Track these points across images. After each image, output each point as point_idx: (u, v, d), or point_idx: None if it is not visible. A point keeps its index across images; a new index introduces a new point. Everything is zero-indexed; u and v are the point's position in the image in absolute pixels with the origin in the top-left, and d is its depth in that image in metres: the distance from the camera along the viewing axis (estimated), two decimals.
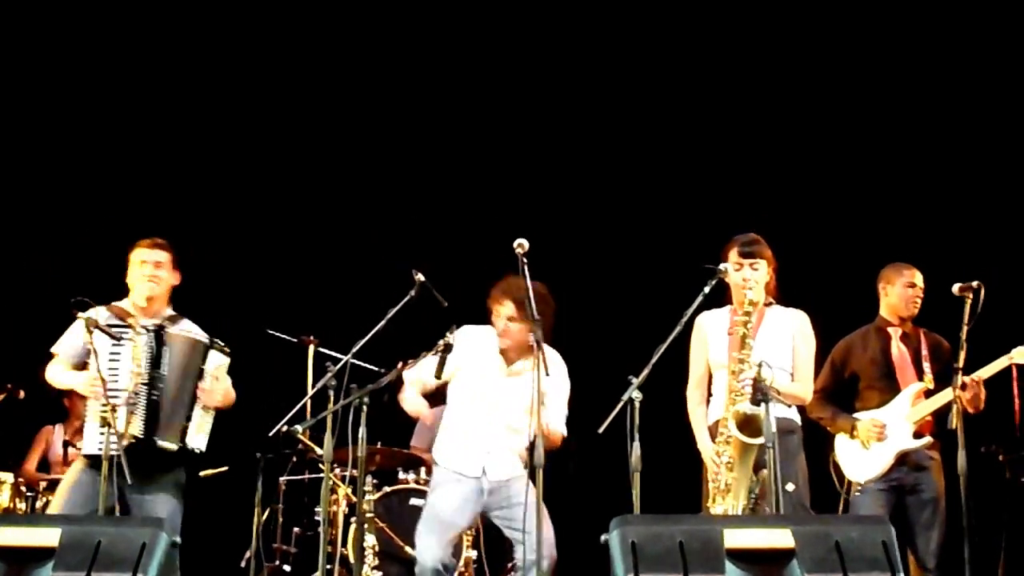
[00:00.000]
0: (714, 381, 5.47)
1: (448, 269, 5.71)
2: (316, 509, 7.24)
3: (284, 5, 8.39)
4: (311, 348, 7.33)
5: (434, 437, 5.84)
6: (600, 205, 8.34)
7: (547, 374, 5.12)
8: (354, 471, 5.35)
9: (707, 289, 5.12)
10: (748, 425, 4.95)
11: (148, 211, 8.10)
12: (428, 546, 5.41)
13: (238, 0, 8.32)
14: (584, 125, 8.41)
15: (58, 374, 5.56)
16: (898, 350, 6.01)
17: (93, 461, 5.37)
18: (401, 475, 7.14)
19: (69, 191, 8.16)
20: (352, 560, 6.58)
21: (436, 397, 5.77)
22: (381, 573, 6.65)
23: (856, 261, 6.76)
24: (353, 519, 6.72)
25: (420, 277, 5.49)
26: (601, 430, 4.81)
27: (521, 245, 5.13)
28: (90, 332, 5.28)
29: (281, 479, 7.29)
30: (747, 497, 5.06)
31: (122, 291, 5.70)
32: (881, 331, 6.07)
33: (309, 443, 6.93)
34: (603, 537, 3.93)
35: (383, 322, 5.45)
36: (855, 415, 5.97)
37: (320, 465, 6.57)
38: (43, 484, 7.28)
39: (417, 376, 5.52)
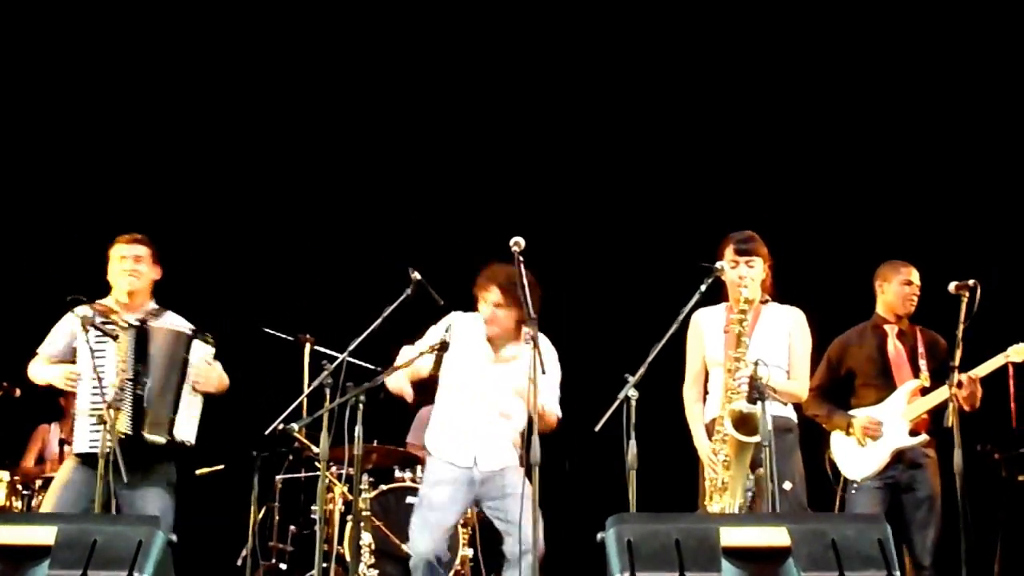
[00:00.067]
0: (710, 379, 5.48)
1: (444, 267, 5.70)
2: (312, 507, 7.24)
3: (284, 3, 8.38)
4: (307, 346, 7.32)
5: None
6: (596, 203, 8.35)
7: (543, 372, 5.12)
8: (350, 469, 5.33)
9: (703, 287, 5.12)
10: (744, 424, 4.96)
11: (145, 210, 8.08)
12: (422, 539, 5.40)
13: None
14: (581, 124, 8.42)
15: (38, 370, 5.57)
16: (894, 347, 6.01)
17: (84, 459, 5.38)
18: (397, 473, 7.14)
19: (64, 190, 8.15)
20: (348, 558, 6.59)
21: (426, 392, 5.77)
22: (377, 571, 6.66)
23: (853, 258, 6.76)
24: (349, 517, 6.72)
25: (416, 275, 5.49)
26: (597, 428, 4.81)
27: (517, 243, 5.13)
28: (86, 330, 5.29)
29: (277, 477, 7.30)
30: (743, 495, 5.07)
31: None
32: (878, 328, 6.07)
33: (305, 441, 6.93)
34: (599, 535, 3.93)
35: (379, 320, 5.44)
36: (851, 412, 5.97)
37: (316, 463, 6.56)
38: (39, 482, 7.27)
39: (409, 359, 5.50)
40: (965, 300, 5.56)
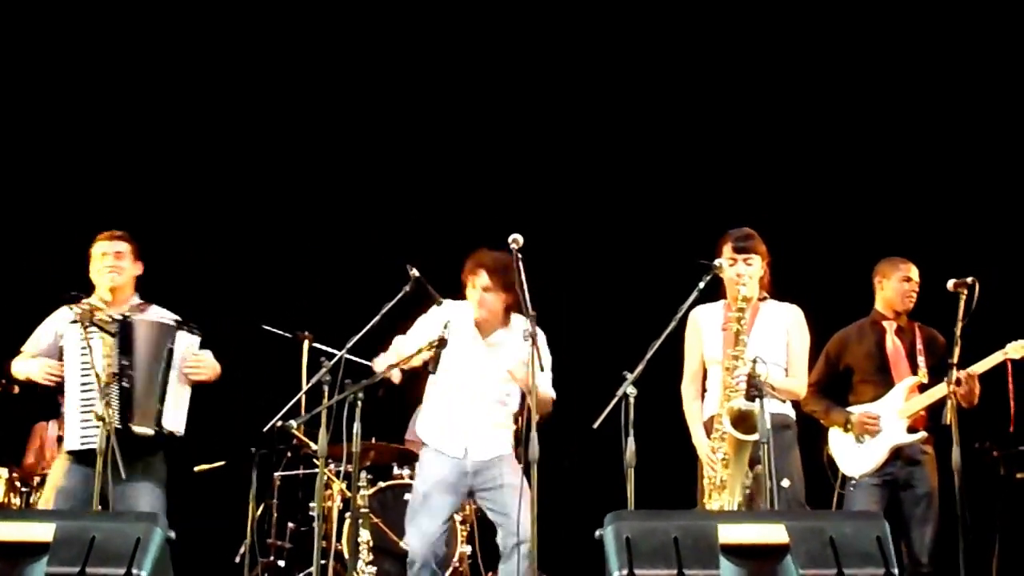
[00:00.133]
0: (709, 376, 5.48)
1: (443, 264, 5.69)
2: (311, 504, 7.24)
3: (286, 2, 8.39)
4: (306, 344, 7.33)
5: None
6: (595, 201, 8.35)
7: (542, 369, 5.13)
8: (348, 466, 5.34)
9: (702, 284, 5.12)
10: (743, 422, 4.96)
11: (145, 209, 8.09)
12: (417, 539, 5.41)
13: None
14: (579, 122, 8.41)
15: (19, 365, 5.58)
16: (893, 344, 6.01)
17: (77, 457, 5.39)
18: (396, 470, 7.14)
19: (64, 190, 8.13)
20: (347, 555, 6.60)
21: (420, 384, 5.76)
22: (375, 568, 6.66)
23: (851, 255, 6.77)
24: (347, 514, 6.73)
25: (415, 272, 5.49)
26: (596, 425, 4.81)
27: (516, 240, 5.13)
28: (85, 326, 5.30)
29: (276, 474, 7.30)
30: (742, 493, 5.07)
31: None
32: (876, 325, 6.07)
33: (304, 439, 6.93)
34: (597, 532, 3.93)
35: (378, 317, 5.44)
36: (849, 409, 5.97)
37: (314, 460, 6.58)
38: (37, 479, 7.27)
39: (402, 350, 5.49)
40: (964, 297, 5.56)
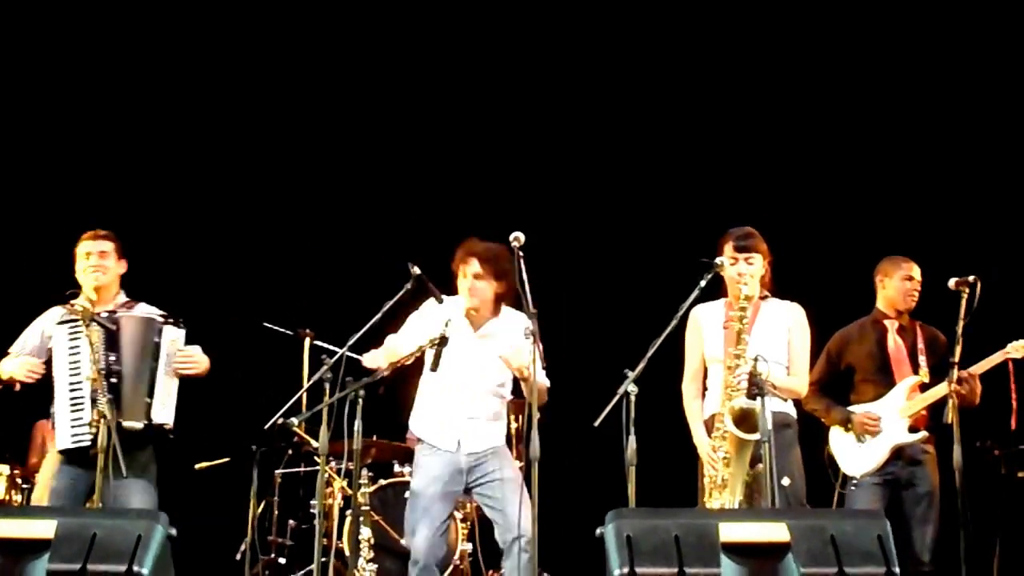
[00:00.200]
0: (709, 375, 5.48)
1: (445, 262, 5.69)
2: (311, 502, 7.24)
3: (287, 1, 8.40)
4: (307, 341, 7.33)
5: None
6: (596, 199, 8.34)
7: (544, 367, 5.12)
8: (349, 464, 5.33)
9: (703, 283, 5.13)
10: (745, 420, 4.96)
11: (146, 207, 8.10)
12: (417, 539, 5.41)
13: None
14: (581, 120, 8.41)
15: (3, 365, 5.60)
16: (894, 343, 6.00)
17: (68, 457, 5.42)
18: (396, 468, 7.14)
19: (63, 190, 8.12)
20: (347, 553, 6.60)
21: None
22: (376, 566, 6.66)
23: (853, 254, 6.76)
24: (348, 512, 6.73)
25: (416, 270, 5.48)
26: (597, 423, 4.81)
27: (517, 238, 5.13)
28: (87, 325, 5.36)
29: (277, 472, 7.30)
30: (743, 492, 5.07)
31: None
32: (878, 324, 6.07)
33: (305, 436, 6.93)
34: (598, 530, 3.93)
35: (379, 315, 5.44)
36: (850, 408, 5.97)
37: (315, 458, 6.57)
38: (37, 476, 7.27)
39: (397, 347, 5.49)
40: (965, 296, 5.56)
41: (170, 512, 3.99)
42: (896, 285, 6.04)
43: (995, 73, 7.90)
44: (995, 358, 5.76)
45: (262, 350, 7.73)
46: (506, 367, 5.46)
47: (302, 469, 7.44)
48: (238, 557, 6.95)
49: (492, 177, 8.32)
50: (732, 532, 3.84)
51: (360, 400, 5.14)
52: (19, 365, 5.52)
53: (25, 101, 8.17)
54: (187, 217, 8.22)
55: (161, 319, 5.61)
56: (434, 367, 5.29)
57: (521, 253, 5.12)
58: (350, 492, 6.58)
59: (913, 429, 5.83)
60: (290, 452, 7.27)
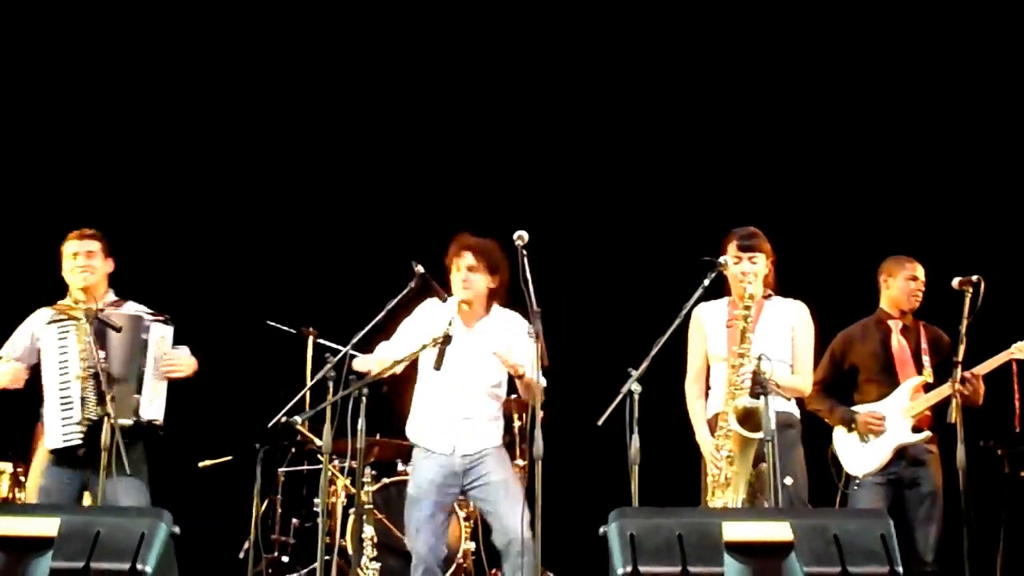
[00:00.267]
0: (712, 374, 5.47)
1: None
2: (315, 500, 7.25)
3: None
4: (310, 339, 7.34)
5: None
6: (600, 198, 8.34)
7: (546, 364, 5.12)
8: (353, 462, 5.34)
9: (706, 282, 5.13)
10: (749, 419, 4.95)
11: (148, 205, 8.11)
12: (417, 542, 5.43)
13: None
14: (584, 118, 8.40)
15: None
16: (898, 343, 6.00)
17: (58, 456, 5.44)
18: (400, 466, 7.14)
19: (63, 191, 8.11)
20: (350, 551, 6.60)
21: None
22: (379, 564, 6.66)
23: (856, 254, 6.76)
24: (352, 510, 6.72)
25: (420, 269, 5.49)
26: (600, 422, 4.82)
27: (521, 237, 5.13)
28: (91, 323, 5.39)
29: (280, 470, 7.30)
30: (746, 491, 5.07)
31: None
32: (881, 324, 6.07)
33: (308, 434, 6.94)
34: (601, 529, 3.93)
35: (383, 314, 5.45)
36: (853, 408, 5.96)
37: (319, 456, 6.58)
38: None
39: (383, 356, 5.47)
40: (969, 296, 5.56)
41: (173, 510, 4.00)
42: (900, 285, 6.03)
43: (999, 72, 7.89)
44: (999, 358, 5.76)
45: (265, 348, 7.74)
46: (502, 365, 5.45)
47: (305, 467, 7.44)
48: (241, 555, 6.95)
49: (495, 175, 8.32)
50: (735, 531, 3.84)
51: (363, 398, 5.14)
52: (2, 374, 5.52)
53: (25, 100, 8.16)
54: (192, 216, 8.22)
55: (149, 317, 5.62)
56: (437, 366, 5.27)
57: (525, 252, 5.12)
58: (353, 490, 6.58)
59: (917, 429, 5.83)
60: (293, 450, 7.28)
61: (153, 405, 5.54)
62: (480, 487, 5.49)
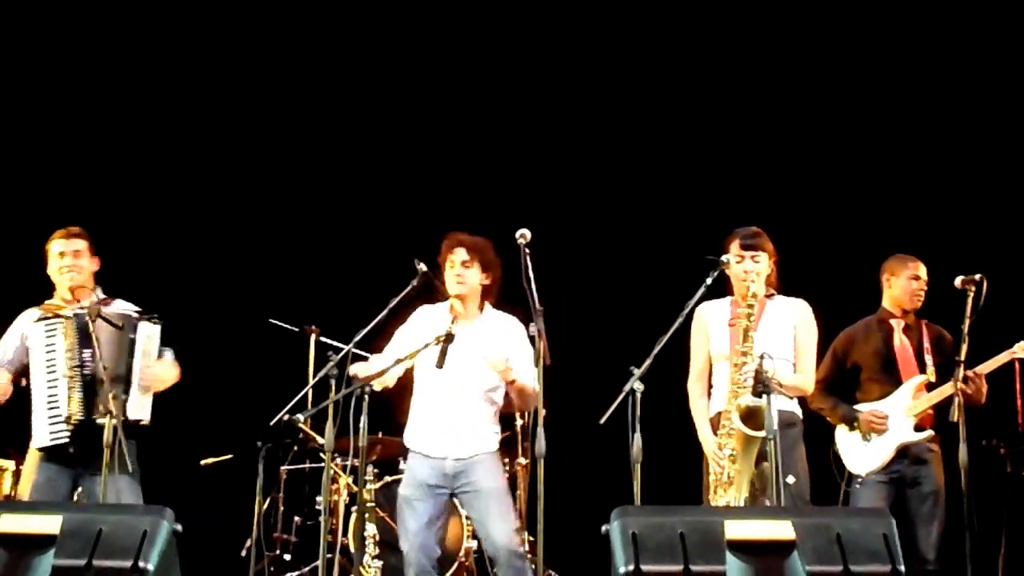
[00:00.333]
0: (715, 373, 5.47)
1: None
2: (317, 498, 7.26)
3: None
4: (313, 337, 7.34)
5: None
6: (603, 196, 8.33)
7: (547, 362, 5.12)
8: (355, 460, 5.35)
9: (709, 280, 5.13)
10: (752, 418, 4.96)
11: (150, 203, 8.11)
12: (407, 541, 5.43)
13: None
14: (587, 117, 8.40)
15: None
16: (900, 342, 6.00)
17: (48, 454, 5.44)
18: (402, 465, 7.12)
19: (65, 190, 8.11)
20: (352, 549, 6.59)
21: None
22: (381, 562, 6.66)
23: (858, 253, 6.76)
24: (354, 508, 6.73)
25: (422, 267, 5.49)
26: (602, 421, 4.82)
27: (524, 235, 5.13)
28: (93, 321, 5.37)
29: (282, 468, 7.31)
30: (749, 489, 5.07)
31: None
32: (884, 323, 6.06)
33: (310, 432, 6.95)
34: (604, 528, 3.93)
35: (385, 312, 5.45)
36: (856, 407, 5.96)
37: (321, 454, 6.58)
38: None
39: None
40: (971, 295, 5.55)
41: (175, 508, 4.00)
42: (902, 284, 6.03)
43: (1001, 70, 7.88)
44: (1002, 357, 5.76)
45: (268, 346, 7.74)
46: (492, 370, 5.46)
47: (307, 465, 7.44)
48: (243, 553, 6.95)
49: (497, 174, 8.31)
50: (737, 530, 3.84)
51: (366, 397, 5.14)
52: None
53: (25, 99, 8.16)
54: (196, 213, 8.22)
55: (136, 315, 5.60)
56: (440, 363, 5.25)
57: (528, 250, 5.12)
58: (355, 489, 6.58)
59: (919, 428, 5.83)
60: (296, 448, 7.28)
61: (140, 405, 5.53)
62: (469, 494, 5.48)
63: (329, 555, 5.68)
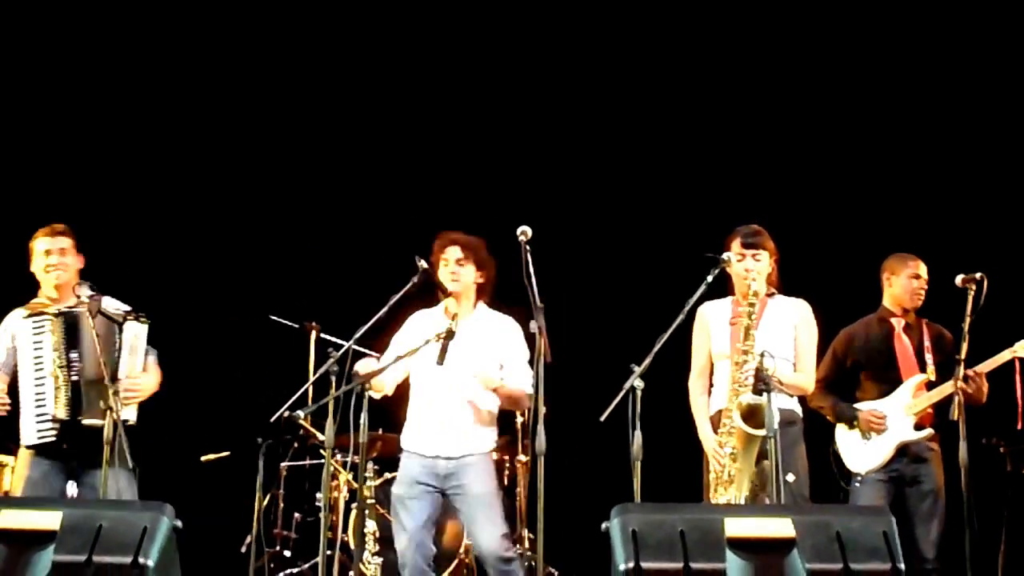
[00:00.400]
0: (716, 371, 5.48)
1: None
2: (317, 495, 7.26)
3: None
4: (313, 334, 7.34)
5: None
6: (604, 194, 8.33)
7: (549, 360, 5.12)
8: (355, 457, 5.35)
9: (710, 279, 5.13)
10: (753, 416, 4.96)
11: (151, 201, 8.11)
12: (401, 539, 5.45)
13: None
14: (588, 115, 8.39)
15: None
16: (900, 341, 6.00)
17: (38, 452, 5.45)
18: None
19: (72, 186, 8.12)
20: (352, 546, 6.60)
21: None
22: (381, 559, 6.66)
23: (859, 251, 6.76)
24: (354, 505, 6.73)
25: (423, 264, 5.50)
26: (603, 418, 4.82)
27: (524, 233, 5.13)
28: (93, 317, 5.36)
29: (282, 465, 7.31)
30: (749, 487, 5.07)
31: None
32: (884, 321, 6.07)
33: (310, 429, 6.94)
34: (604, 525, 3.93)
35: (385, 308, 5.45)
36: (856, 405, 5.96)
37: (321, 451, 6.58)
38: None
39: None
40: (972, 293, 5.55)
41: (175, 504, 4.00)
42: (903, 283, 6.03)
43: (1001, 69, 7.88)
44: (1002, 356, 5.75)
45: (268, 343, 7.74)
46: (492, 365, 5.48)
47: (308, 462, 7.44)
48: (243, 550, 6.95)
49: (498, 171, 8.31)
50: (738, 527, 3.84)
51: (366, 394, 5.14)
52: None
53: (23, 98, 8.16)
54: (196, 210, 8.22)
55: (123, 315, 5.58)
56: (440, 360, 5.26)
57: (528, 247, 5.12)
58: (355, 485, 6.58)
59: (919, 426, 5.83)
60: (296, 445, 7.28)
61: (126, 406, 5.50)
62: (459, 496, 5.49)
63: (329, 552, 5.68)
